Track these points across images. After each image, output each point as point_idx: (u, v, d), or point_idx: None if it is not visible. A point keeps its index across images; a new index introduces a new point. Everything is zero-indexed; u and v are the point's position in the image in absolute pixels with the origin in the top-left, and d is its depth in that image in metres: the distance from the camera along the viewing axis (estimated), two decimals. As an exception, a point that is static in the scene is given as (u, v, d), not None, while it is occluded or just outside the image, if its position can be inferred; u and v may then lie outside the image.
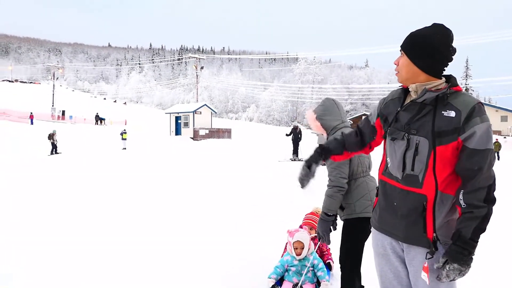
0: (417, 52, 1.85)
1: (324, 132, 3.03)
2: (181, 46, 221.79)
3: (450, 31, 1.84)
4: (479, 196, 1.73)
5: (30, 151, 22.41)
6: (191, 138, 37.52)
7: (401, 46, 1.93)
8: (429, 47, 1.82)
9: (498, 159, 24.06)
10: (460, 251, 1.71)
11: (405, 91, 1.99)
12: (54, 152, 22.78)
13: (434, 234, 1.81)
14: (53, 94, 62.93)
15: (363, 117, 2.34)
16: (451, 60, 1.86)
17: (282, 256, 3.75)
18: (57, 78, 73.03)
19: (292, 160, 18.54)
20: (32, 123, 40.28)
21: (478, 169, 1.73)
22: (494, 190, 1.76)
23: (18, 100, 67.86)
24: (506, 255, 4.81)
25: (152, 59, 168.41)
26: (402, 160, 1.89)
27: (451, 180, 1.82)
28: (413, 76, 1.89)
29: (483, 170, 1.73)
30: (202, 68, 52.35)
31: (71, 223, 6.20)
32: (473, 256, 1.73)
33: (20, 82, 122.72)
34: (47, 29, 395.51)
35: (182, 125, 39.49)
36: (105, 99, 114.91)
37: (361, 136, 2.23)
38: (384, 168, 2.03)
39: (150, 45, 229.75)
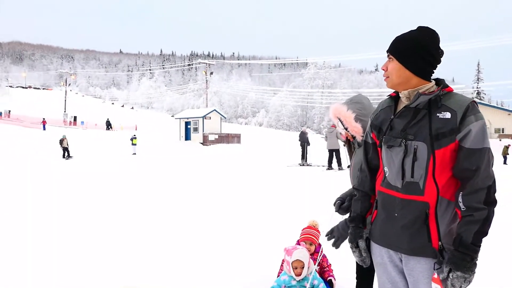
0: (408, 55, 1.81)
1: (359, 136, 2.60)
2: (191, 52, 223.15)
3: (437, 33, 1.83)
4: (478, 197, 1.67)
5: (43, 156, 22.74)
6: (201, 143, 37.67)
7: (388, 51, 1.88)
8: (420, 50, 1.80)
9: (505, 163, 23.80)
10: (462, 257, 1.65)
11: (394, 99, 1.96)
12: (66, 156, 23.12)
13: (440, 243, 1.75)
14: (65, 100, 63.81)
15: (360, 148, 2.27)
16: (440, 62, 1.84)
17: (278, 275, 3.41)
18: (69, 84, 74.07)
19: (300, 165, 18.57)
20: (44, 128, 40.82)
21: (476, 169, 1.68)
22: (494, 191, 1.70)
23: (31, 106, 68.88)
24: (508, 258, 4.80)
25: (163, 65, 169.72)
26: (401, 168, 1.82)
27: (451, 185, 1.77)
28: (405, 81, 1.84)
29: (481, 170, 1.68)
30: (211, 73, 52.64)
31: (81, 224, 6.34)
32: (476, 262, 1.67)
33: (34, 88, 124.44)
34: (60, 36, 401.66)
35: (191, 130, 39.67)
36: (113, 103, 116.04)
37: (371, 166, 2.08)
38: (382, 179, 1.95)
39: (161, 51, 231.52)
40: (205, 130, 38.60)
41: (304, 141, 19.06)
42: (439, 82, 1.86)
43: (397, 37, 1.89)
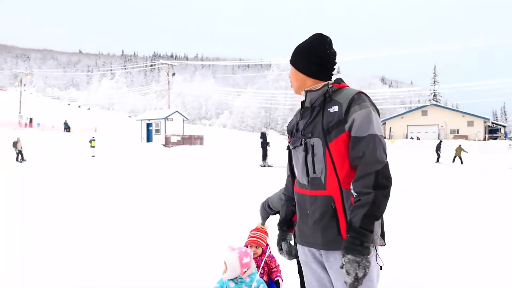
0: (300, 60, 1.97)
1: None
2: (154, 52, 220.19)
3: (327, 38, 1.97)
4: (366, 182, 1.69)
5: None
6: (163, 145, 37.16)
7: (289, 61, 2.04)
8: (309, 54, 1.94)
9: (462, 163, 24.81)
10: (352, 241, 1.66)
11: (303, 103, 2.05)
12: (20, 160, 22.22)
13: None
14: (20, 101, 61.30)
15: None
16: (332, 62, 1.96)
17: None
18: (25, 85, 71.28)
19: (261, 166, 18.66)
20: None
21: (362, 156, 1.74)
22: (384, 176, 1.72)
23: (-17, 107, 65.64)
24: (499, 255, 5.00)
25: (125, 66, 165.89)
26: (305, 165, 1.90)
27: (352, 176, 1.80)
28: (302, 84, 1.98)
29: (366, 155, 1.72)
30: (174, 74, 52.07)
31: (36, 230, 6.10)
32: (368, 246, 1.67)
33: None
34: (15, 34, 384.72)
35: (153, 132, 39.09)
36: (69, 104, 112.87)
37: (293, 171, 2.13)
38: (296, 180, 2.04)
39: (122, 52, 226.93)
40: (167, 132, 38.14)
41: (264, 142, 19.17)
42: (336, 81, 1.97)
43: (295, 47, 2.04)
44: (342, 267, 1.70)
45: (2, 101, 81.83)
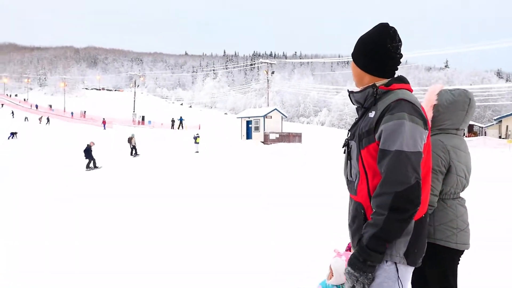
0: (357, 53, 1.85)
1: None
2: (254, 51, 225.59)
3: (390, 29, 1.78)
4: (382, 201, 1.59)
5: (113, 154, 24.02)
6: (262, 142, 37.87)
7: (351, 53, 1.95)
8: (367, 48, 1.80)
9: None
10: (356, 255, 1.64)
11: None
12: (134, 154, 24.26)
13: None
14: (134, 100, 67.03)
15: None
16: (393, 57, 1.76)
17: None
18: (138, 86, 77.99)
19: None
20: (104, 128, 43.18)
21: (384, 172, 1.62)
22: (407, 199, 1.56)
23: (104, 107, 73.22)
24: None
25: (226, 66, 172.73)
26: (345, 167, 1.90)
27: None
28: (359, 79, 1.87)
29: (388, 173, 1.59)
30: (273, 73, 52.87)
31: (141, 221, 6.58)
32: (371, 264, 1.61)
33: (107, 90, 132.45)
34: (130, 40, 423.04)
35: (253, 129, 40.01)
36: (173, 103, 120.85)
37: None
38: None
39: (224, 52, 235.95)
40: (266, 129, 38.77)
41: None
42: (387, 82, 1.79)
43: None
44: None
45: (120, 101, 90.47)
